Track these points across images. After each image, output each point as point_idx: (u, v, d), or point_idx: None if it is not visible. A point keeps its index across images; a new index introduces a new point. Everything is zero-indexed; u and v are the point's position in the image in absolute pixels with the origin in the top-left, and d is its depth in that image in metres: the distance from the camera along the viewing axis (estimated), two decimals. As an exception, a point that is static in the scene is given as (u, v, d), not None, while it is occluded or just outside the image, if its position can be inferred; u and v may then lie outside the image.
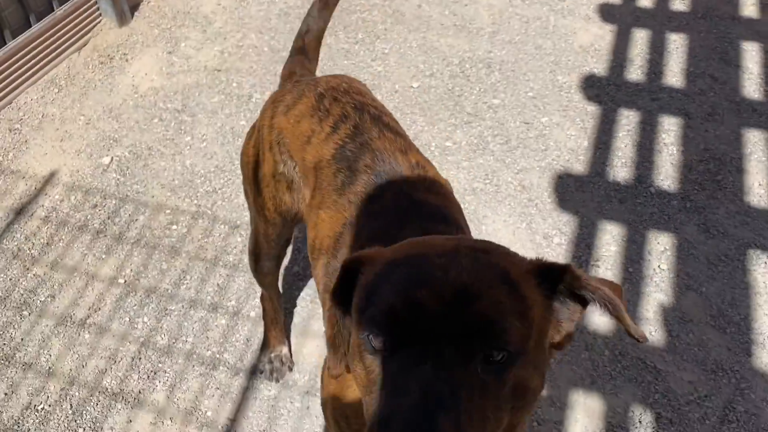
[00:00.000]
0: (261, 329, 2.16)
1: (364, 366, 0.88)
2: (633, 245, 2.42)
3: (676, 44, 3.33)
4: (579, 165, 2.75)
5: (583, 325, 2.17)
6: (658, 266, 2.34)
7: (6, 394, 2.06)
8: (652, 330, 2.15)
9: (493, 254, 0.90)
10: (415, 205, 1.34)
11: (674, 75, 3.15)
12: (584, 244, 2.44)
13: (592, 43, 3.39)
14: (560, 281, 0.90)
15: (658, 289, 2.27)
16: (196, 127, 3.01)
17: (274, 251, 1.83)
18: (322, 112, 1.54)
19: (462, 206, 2.57)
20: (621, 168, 2.73)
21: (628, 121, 2.94)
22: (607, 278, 0.95)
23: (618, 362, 2.08)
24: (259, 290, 2.14)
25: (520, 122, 2.97)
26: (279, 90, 1.73)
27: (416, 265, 0.86)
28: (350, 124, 1.50)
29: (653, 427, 1.92)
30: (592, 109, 3.02)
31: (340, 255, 1.37)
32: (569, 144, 2.85)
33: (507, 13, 3.63)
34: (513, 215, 2.56)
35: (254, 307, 2.26)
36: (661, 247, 2.40)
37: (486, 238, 2.43)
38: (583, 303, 0.92)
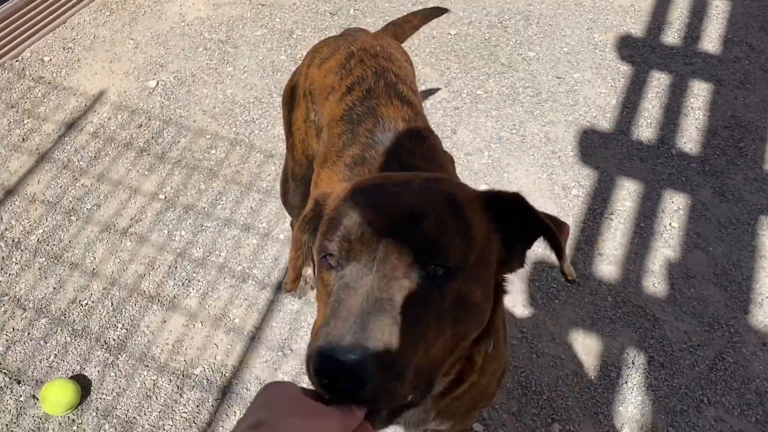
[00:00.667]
0: (288, 250, 2.32)
1: (323, 283, 0.93)
2: (648, 202, 2.51)
3: (718, 10, 3.32)
4: (605, 122, 2.82)
5: (590, 272, 2.29)
6: (669, 224, 2.44)
7: (54, 288, 2.27)
8: (655, 282, 2.27)
9: (445, 183, 0.97)
10: (404, 170, 1.36)
11: (711, 41, 3.17)
12: (601, 197, 2.54)
13: (632, 3, 3.40)
14: (509, 209, 0.97)
15: (666, 245, 2.38)
16: (239, 59, 3.13)
17: (300, 189, 1.92)
18: (345, 71, 1.59)
19: (487, 154, 2.69)
20: (646, 128, 2.79)
21: (658, 83, 2.98)
22: (557, 217, 1.03)
23: (619, 308, 2.20)
24: (289, 217, 2.30)
25: (553, 76, 3.03)
26: (323, 39, 1.79)
27: (372, 193, 0.93)
28: (364, 87, 1.54)
29: (645, 369, 2.05)
30: (625, 69, 3.06)
31: None
32: (598, 101, 2.91)
33: (551, -33, 3.64)
34: (535, 165, 2.66)
35: (283, 231, 2.42)
36: (674, 207, 2.49)
37: (507, 188, 2.54)
38: (528, 235, 1.00)
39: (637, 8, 3.36)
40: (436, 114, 2.85)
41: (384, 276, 0.85)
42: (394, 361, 0.79)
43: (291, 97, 1.77)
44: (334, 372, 0.76)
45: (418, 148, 1.41)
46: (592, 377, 2.04)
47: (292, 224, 2.20)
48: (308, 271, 2.26)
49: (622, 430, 1.93)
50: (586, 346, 2.11)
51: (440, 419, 1.26)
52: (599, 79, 3.02)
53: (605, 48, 3.17)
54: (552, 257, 2.34)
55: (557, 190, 2.57)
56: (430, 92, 2.96)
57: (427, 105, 2.90)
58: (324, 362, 0.77)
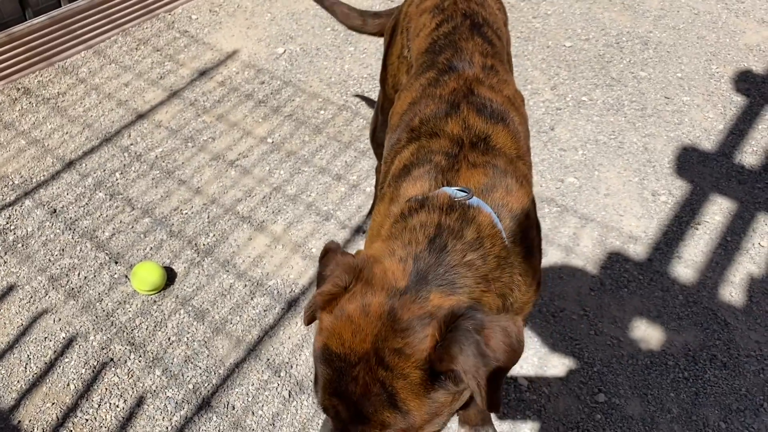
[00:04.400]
0: (371, 202, 2.46)
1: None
2: (739, 220, 2.46)
3: None
4: (708, 143, 2.80)
5: (665, 270, 2.27)
6: (759, 243, 2.37)
7: (162, 196, 2.51)
8: (733, 292, 2.21)
9: (393, 370, 1.03)
10: (470, 94, 1.41)
11: (837, 86, 3.07)
12: (690, 208, 2.51)
13: (758, 43, 3.36)
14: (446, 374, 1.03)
15: (751, 261, 2.31)
16: (360, 42, 3.36)
17: (387, 124, 2.07)
18: (438, 11, 1.70)
19: (581, 153, 2.73)
20: (750, 154, 2.74)
21: (772, 116, 2.92)
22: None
23: (689, 308, 2.16)
24: (375, 162, 2.44)
25: (661, 96, 3.04)
26: None
27: (337, 372, 1.05)
28: (451, 25, 1.63)
29: (705, 365, 2.00)
30: (738, 99, 3.02)
31: (397, 133, 1.51)
32: (704, 124, 2.89)
33: (678, 2, 3.67)
34: (628, 169, 2.67)
35: (370, 185, 2.56)
36: (767, 228, 2.42)
37: (596, 184, 2.57)
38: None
39: (763, 48, 3.32)
40: (537, 111, 2.94)
41: None
42: None
43: (391, 34, 1.92)
44: None
45: (489, 79, 1.48)
46: (648, 362, 2.01)
47: (377, 169, 2.34)
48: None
49: (670, 412, 1.89)
50: (647, 335, 2.09)
51: None
52: (709, 105, 2.99)
53: (721, 79, 3.14)
54: (629, 250, 2.33)
55: (646, 194, 2.57)
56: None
57: (530, 103, 2.99)
58: None
